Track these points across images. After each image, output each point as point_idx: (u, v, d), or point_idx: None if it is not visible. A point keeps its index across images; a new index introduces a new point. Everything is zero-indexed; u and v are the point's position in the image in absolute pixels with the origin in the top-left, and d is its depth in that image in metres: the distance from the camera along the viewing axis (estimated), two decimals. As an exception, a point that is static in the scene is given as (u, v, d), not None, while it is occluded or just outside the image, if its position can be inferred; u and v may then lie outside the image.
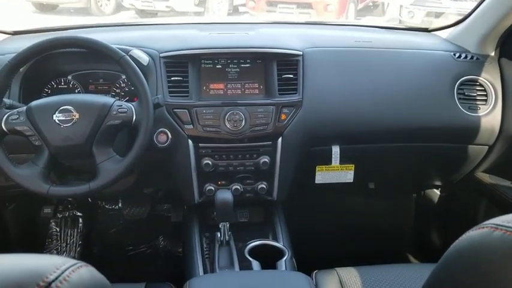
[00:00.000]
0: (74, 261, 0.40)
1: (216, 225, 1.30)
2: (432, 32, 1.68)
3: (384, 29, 1.71)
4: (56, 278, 0.36)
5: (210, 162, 1.28)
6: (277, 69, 1.31)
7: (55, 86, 1.36)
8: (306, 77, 1.32)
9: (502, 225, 0.43)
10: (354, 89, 1.35)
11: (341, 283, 1.10)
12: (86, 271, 0.40)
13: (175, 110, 1.26)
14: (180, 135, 1.27)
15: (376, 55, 1.42)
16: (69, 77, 1.37)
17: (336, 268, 1.14)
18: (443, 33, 1.63)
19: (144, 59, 1.27)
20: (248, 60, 1.33)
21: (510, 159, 1.39)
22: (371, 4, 8.44)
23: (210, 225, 1.38)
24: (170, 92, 1.27)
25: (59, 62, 1.33)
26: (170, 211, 1.84)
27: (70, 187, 1.13)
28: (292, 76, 1.31)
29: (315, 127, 1.32)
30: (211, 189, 1.31)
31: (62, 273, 0.37)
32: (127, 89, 1.37)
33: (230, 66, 1.32)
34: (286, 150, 1.30)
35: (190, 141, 1.27)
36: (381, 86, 1.37)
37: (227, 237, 1.23)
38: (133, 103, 1.16)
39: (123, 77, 1.37)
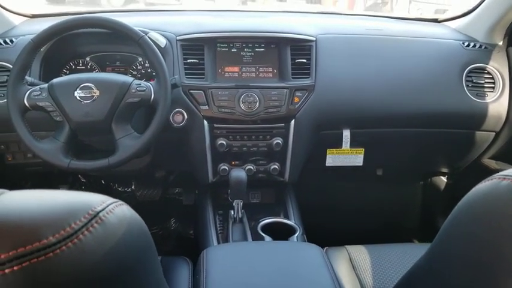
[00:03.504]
0: (116, 199, 0.44)
1: (228, 205, 1.35)
2: (442, 23, 1.71)
3: (393, 19, 1.75)
4: (103, 209, 0.40)
5: (224, 143, 1.33)
6: (291, 53, 1.35)
7: (73, 66, 1.41)
8: (319, 62, 1.36)
9: (509, 175, 0.46)
10: (365, 75, 1.39)
11: (351, 260, 1.14)
12: (127, 208, 0.44)
13: (192, 91, 1.30)
14: (195, 116, 1.31)
15: (386, 42, 1.46)
16: (87, 59, 1.41)
17: (345, 246, 1.18)
18: (453, 24, 1.66)
19: (162, 41, 1.31)
20: (262, 45, 1.37)
21: (516, 146, 1.42)
22: (380, 1, 8.44)
23: (223, 205, 1.42)
24: (186, 74, 1.31)
25: (77, 43, 1.38)
26: (182, 194, 1.89)
27: (90, 161, 1.17)
28: (305, 61, 1.35)
29: (326, 111, 1.36)
30: (225, 169, 1.36)
31: (107, 206, 0.40)
32: (143, 71, 1.41)
33: (245, 50, 1.36)
34: (298, 133, 1.34)
35: (205, 122, 1.31)
36: (391, 72, 1.40)
37: (240, 215, 1.28)
38: (151, 82, 1.20)
39: (140, 59, 1.41)
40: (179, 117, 1.30)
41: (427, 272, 0.62)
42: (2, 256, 0.33)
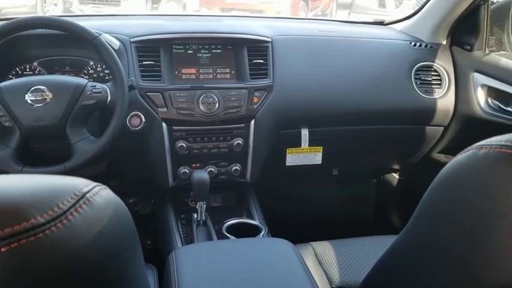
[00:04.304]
0: (99, 183, 0.42)
1: (190, 209, 1.32)
2: (388, 26, 1.79)
3: (343, 23, 1.81)
4: (89, 191, 0.38)
5: (184, 145, 1.30)
6: (248, 54, 1.35)
7: (20, 72, 1.33)
8: (276, 63, 1.37)
9: (486, 145, 0.48)
10: (320, 75, 1.42)
11: (316, 255, 1.15)
12: (111, 192, 0.42)
13: (149, 93, 1.27)
14: (153, 119, 1.28)
15: (339, 43, 1.50)
16: (35, 63, 1.34)
17: (310, 242, 1.19)
18: (398, 26, 1.74)
19: (115, 43, 1.27)
20: (219, 46, 1.36)
21: (463, 139, 1.50)
22: (320, 13, 8.72)
23: (184, 210, 1.39)
24: (142, 76, 1.28)
25: (24, 46, 1.30)
26: (137, 204, 1.82)
27: (45, 168, 1.10)
28: (262, 61, 1.36)
29: (285, 110, 1.37)
30: (185, 172, 1.33)
31: (93, 188, 0.39)
32: (95, 76, 1.36)
33: (201, 51, 1.35)
34: (258, 133, 1.35)
35: (164, 124, 1.28)
36: (345, 71, 1.45)
37: (204, 217, 1.25)
38: (107, 84, 1.16)
39: (92, 63, 1.36)
40: (136, 121, 1.26)
41: (403, 253, 0.63)
42: None
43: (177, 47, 1.34)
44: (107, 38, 1.24)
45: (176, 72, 1.33)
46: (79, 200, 0.36)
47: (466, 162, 0.50)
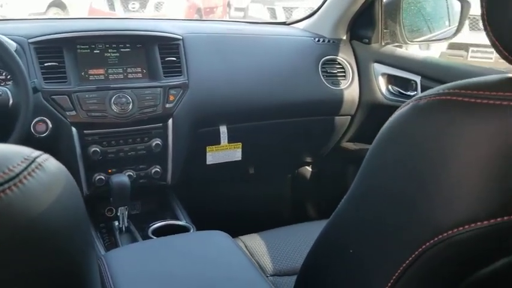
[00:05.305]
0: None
1: (109, 218, 1.24)
2: (290, 25, 1.86)
3: (248, 23, 1.85)
4: (39, 156, 0.35)
5: (98, 150, 1.22)
6: (160, 52, 1.32)
7: None
8: (189, 60, 1.35)
9: (424, 96, 0.51)
10: (233, 71, 1.43)
11: (247, 248, 1.15)
12: (57, 161, 0.38)
13: (54, 96, 1.17)
14: (61, 123, 1.18)
15: (249, 40, 1.53)
16: None
17: (239, 237, 1.18)
18: (300, 25, 1.82)
19: (11, 44, 1.15)
20: (128, 45, 1.30)
21: (370, 126, 1.60)
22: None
23: (103, 220, 1.29)
24: (45, 79, 1.18)
25: None
26: None
27: None
28: (175, 59, 1.33)
29: (202, 107, 1.36)
30: (101, 179, 1.24)
31: (41, 154, 0.36)
32: None
33: (109, 51, 1.28)
34: (177, 132, 1.31)
35: (74, 129, 1.19)
36: (256, 67, 1.48)
37: (126, 223, 1.18)
38: (7, 86, 1.05)
39: None
40: (42, 126, 1.15)
41: (346, 222, 0.64)
42: None
43: (81, 46, 1.25)
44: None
45: (83, 73, 1.24)
46: (30, 163, 0.33)
47: (408, 113, 0.52)
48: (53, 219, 0.33)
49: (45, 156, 0.36)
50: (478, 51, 4.38)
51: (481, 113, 0.45)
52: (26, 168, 0.32)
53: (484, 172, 0.44)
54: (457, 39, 1.66)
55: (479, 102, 0.45)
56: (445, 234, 0.46)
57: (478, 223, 0.44)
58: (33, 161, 0.33)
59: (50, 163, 0.35)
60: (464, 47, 4.48)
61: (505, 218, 0.43)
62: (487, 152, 0.44)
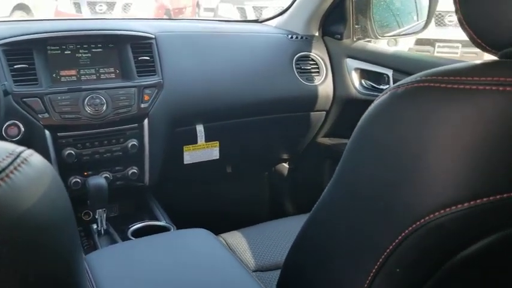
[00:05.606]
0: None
1: (85, 222, 1.22)
2: (263, 23, 1.87)
3: (220, 22, 1.84)
4: (23, 151, 0.35)
5: (72, 152, 1.19)
6: (133, 52, 1.30)
7: None
8: (163, 59, 1.34)
9: (401, 84, 0.52)
10: (207, 70, 1.43)
11: (228, 245, 1.15)
12: (41, 157, 0.37)
13: (25, 99, 1.15)
14: (34, 126, 1.15)
15: (222, 38, 1.53)
16: None
17: (220, 234, 1.18)
18: (273, 23, 1.83)
19: None
20: (99, 45, 1.28)
21: (344, 120, 1.63)
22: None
23: (80, 224, 1.27)
24: (16, 81, 1.15)
25: None
26: None
27: None
28: (148, 58, 1.32)
29: (178, 106, 1.35)
30: (77, 182, 1.22)
31: (25, 149, 0.35)
32: None
33: (80, 51, 1.26)
34: (153, 132, 1.30)
35: (47, 132, 1.17)
36: (230, 65, 1.47)
37: (105, 226, 1.16)
38: None
39: None
40: (14, 130, 1.13)
41: (330, 209, 0.65)
42: None
43: (52, 47, 1.23)
44: None
45: (54, 75, 1.21)
46: (15, 158, 0.33)
47: (386, 101, 0.53)
48: (42, 214, 0.32)
49: (30, 151, 0.35)
50: (444, 47, 4.49)
51: (458, 98, 0.46)
52: (11, 162, 0.32)
53: (463, 155, 0.45)
54: (423, 35, 1.71)
55: (456, 87, 0.46)
56: (426, 218, 0.47)
57: (459, 205, 0.45)
58: (18, 156, 0.33)
59: (35, 158, 0.35)
60: (431, 42, 4.60)
61: (484, 199, 0.45)
62: (465, 136, 0.45)
